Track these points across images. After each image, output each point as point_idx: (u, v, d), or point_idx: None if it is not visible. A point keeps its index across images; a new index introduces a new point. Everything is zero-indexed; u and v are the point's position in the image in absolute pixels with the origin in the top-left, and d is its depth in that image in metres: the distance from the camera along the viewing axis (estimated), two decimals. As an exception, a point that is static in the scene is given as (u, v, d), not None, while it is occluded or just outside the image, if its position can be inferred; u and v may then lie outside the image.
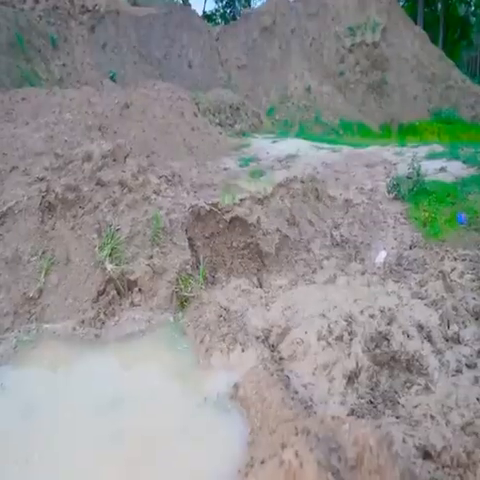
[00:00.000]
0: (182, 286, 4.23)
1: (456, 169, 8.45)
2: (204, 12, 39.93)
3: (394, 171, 8.92)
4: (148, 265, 4.28)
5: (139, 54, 20.60)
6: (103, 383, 3.36)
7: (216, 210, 5.05)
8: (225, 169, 9.36)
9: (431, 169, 8.24)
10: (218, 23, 35.14)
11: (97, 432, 2.88)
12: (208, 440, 2.80)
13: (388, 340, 3.64)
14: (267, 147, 11.90)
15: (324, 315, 4.01)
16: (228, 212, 5.12)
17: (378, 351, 3.59)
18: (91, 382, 3.38)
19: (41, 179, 4.87)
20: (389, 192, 7.68)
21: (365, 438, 2.04)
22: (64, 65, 17.47)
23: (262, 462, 2.28)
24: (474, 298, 4.28)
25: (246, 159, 10.33)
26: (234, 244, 5.12)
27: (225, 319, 3.80)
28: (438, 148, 10.50)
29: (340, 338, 3.82)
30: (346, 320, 3.97)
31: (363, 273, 5.22)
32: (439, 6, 37.04)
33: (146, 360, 3.65)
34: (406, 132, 16.06)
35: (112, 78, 18.19)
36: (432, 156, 9.67)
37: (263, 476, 2.14)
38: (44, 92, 10.77)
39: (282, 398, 2.72)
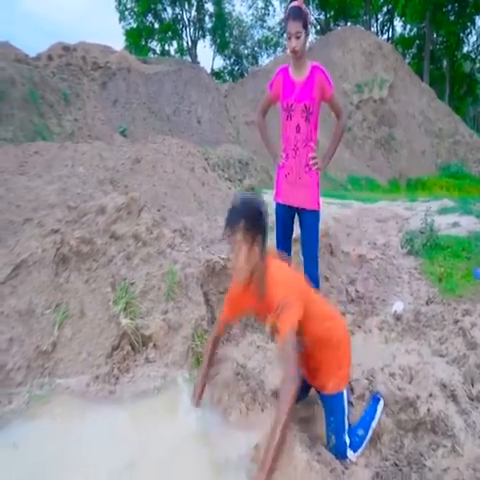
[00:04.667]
0: (198, 342, 4.14)
1: (469, 224, 8.46)
2: (212, 69, 40.97)
3: (406, 226, 8.94)
4: (163, 320, 4.20)
5: (149, 110, 20.99)
6: (117, 443, 3.23)
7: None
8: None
9: (444, 224, 8.24)
10: (226, 80, 35.95)
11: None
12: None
13: (413, 406, 3.51)
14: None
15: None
16: (243, 266, 5.06)
17: (403, 417, 3.47)
18: (104, 442, 3.25)
19: (55, 231, 4.83)
20: (402, 247, 7.68)
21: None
22: (76, 120, 17.79)
23: None
24: (497, 355, 4.18)
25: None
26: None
27: (243, 377, 3.69)
28: (449, 203, 10.54)
29: (362, 397, 3.71)
30: (367, 378, 3.87)
31: (380, 329, 5.12)
32: (445, 63, 38.04)
33: (162, 419, 3.52)
34: (415, 187, 16.17)
35: (122, 133, 18.49)
36: (444, 211, 9.70)
37: None
38: (56, 146, 10.92)
39: (307, 460, 2.61)
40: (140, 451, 3.11)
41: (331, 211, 11.12)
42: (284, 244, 4.66)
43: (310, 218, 4.48)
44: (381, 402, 3.55)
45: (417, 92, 22.20)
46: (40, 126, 15.56)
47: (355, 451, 3.20)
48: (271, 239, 5.03)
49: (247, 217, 2.78)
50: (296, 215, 4.63)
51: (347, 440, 3.15)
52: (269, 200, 11.25)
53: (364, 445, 3.28)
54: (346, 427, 3.16)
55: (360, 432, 3.29)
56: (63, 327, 4.17)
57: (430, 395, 3.61)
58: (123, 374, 3.95)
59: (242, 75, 37.27)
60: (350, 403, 3.42)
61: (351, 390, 3.75)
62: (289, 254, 4.69)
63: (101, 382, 3.84)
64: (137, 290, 4.40)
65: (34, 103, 15.88)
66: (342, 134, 4.59)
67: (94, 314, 4.26)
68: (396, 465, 3.16)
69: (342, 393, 3.17)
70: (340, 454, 3.15)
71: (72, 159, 9.88)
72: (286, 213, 4.60)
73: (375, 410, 3.49)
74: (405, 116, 20.64)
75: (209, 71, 32.15)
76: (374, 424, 3.39)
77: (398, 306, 5.68)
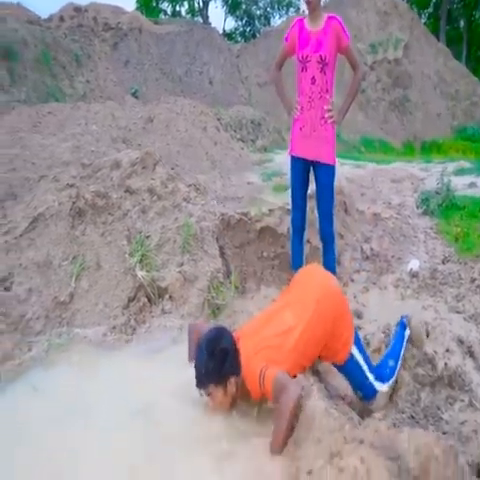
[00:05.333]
0: (214, 294, 4.16)
1: (486, 184, 8.34)
2: (224, 30, 40.34)
3: (422, 186, 8.85)
4: (179, 272, 4.21)
5: (161, 71, 20.79)
6: (133, 389, 3.24)
7: (246, 219, 4.99)
8: (249, 183, 9.33)
9: (460, 184, 8.15)
10: (238, 41, 35.41)
11: (130, 435, 2.78)
12: (245, 446, 2.70)
13: (430, 361, 3.51)
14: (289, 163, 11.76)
15: (359, 327, 3.92)
16: (258, 222, 5.06)
17: (420, 371, 3.48)
18: (121, 387, 3.28)
19: (71, 185, 4.85)
20: (418, 207, 7.61)
21: (429, 448, 1.93)
22: (88, 81, 17.66)
23: (309, 472, 2.17)
24: (514, 311, 4.16)
25: (269, 174, 10.29)
26: (264, 254, 5.05)
27: (258, 329, 3.69)
28: (465, 164, 10.39)
29: (378, 351, 3.72)
30: (383, 332, 3.87)
31: (396, 286, 5.10)
32: (462, 23, 37.12)
33: (177, 368, 3.53)
34: (429, 150, 15.94)
35: (134, 94, 18.35)
36: (460, 172, 9.57)
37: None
38: (69, 106, 10.88)
39: (325, 408, 2.62)
40: (155, 396, 3.13)
41: (344, 171, 10.99)
42: (299, 200, 4.62)
43: (325, 173, 4.42)
44: (407, 329, 3.61)
45: (433, 53, 21.75)
46: (53, 88, 15.46)
47: (387, 380, 3.30)
48: (287, 193, 5.05)
49: (212, 376, 2.76)
50: (312, 170, 4.57)
51: (373, 382, 3.22)
52: (282, 160, 11.18)
53: (396, 373, 3.38)
54: (369, 374, 3.20)
55: (391, 362, 3.38)
56: (80, 279, 4.20)
57: (447, 350, 3.58)
58: (139, 325, 3.99)
59: (254, 36, 36.60)
60: (362, 345, 3.41)
61: (367, 344, 3.76)
62: (304, 210, 4.66)
63: (118, 332, 3.88)
64: (152, 243, 4.41)
65: (46, 64, 15.75)
66: (358, 87, 4.50)
67: (110, 266, 4.28)
68: (413, 418, 3.19)
69: (351, 354, 3.17)
70: (369, 398, 3.24)
71: (85, 118, 9.83)
72: (301, 167, 4.54)
73: (403, 337, 3.55)
74: (420, 77, 20.24)
75: (220, 32, 31.66)
76: (403, 351, 3.48)
77: (414, 264, 5.64)
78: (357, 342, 3.21)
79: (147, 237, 4.46)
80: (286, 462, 2.43)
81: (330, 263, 4.50)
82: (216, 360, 2.75)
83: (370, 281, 5.34)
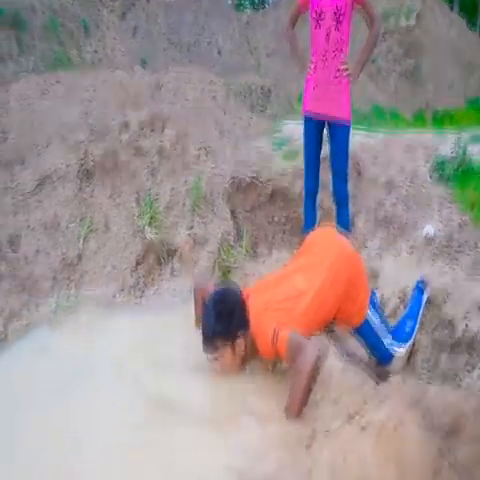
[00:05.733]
0: (224, 257, 4.08)
1: (504, 152, 8.11)
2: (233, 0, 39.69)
3: (435, 155, 8.64)
4: (188, 235, 4.14)
5: (169, 41, 20.49)
6: (141, 348, 3.18)
7: (257, 182, 4.89)
8: (258, 151, 9.19)
9: (476, 151, 7.93)
10: (247, 11, 34.81)
11: (135, 397, 2.72)
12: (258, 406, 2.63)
13: (449, 325, 3.42)
14: (299, 132, 11.63)
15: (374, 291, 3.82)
16: (269, 185, 4.96)
17: (438, 335, 3.40)
18: (129, 347, 3.22)
19: (79, 147, 4.75)
20: (432, 175, 7.43)
21: (458, 405, 1.85)
22: (96, 51, 17.43)
23: (326, 433, 2.10)
24: None
25: (279, 143, 10.12)
26: (276, 218, 4.95)
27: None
28: (480, 133, 10.16)
29: (394, 315, 3.63)
30: (399, 297, 3.78)
31: (410, 253, 5.00)
32: (476, -9, 36.19)
33: (187, 330, 3.45)
34: (441, 121, 15.59)
35: (142, 64, 18.10)
36: (476, 139, 9.34)
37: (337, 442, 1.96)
38: (77, 74, 10.73)
39: (342, 368, 2.54)
40: (163, 358, 3.06)
41: (355, 141, 10.78)
42: (313, 162, 4.50)
43: (340, 131, 4.27)
44: (426, 292, 3.53)
45: (446, 22, 21.27)
46: (60, 55, 15.25)
47: (405, 343, 3.22)
48: (297, 160, 4.94)
49: (220, 332, 2.65)
50: (325, 132, 4.45)
51: (390, 345, 3.15)
52: (292, 128, 10.99)
53: (414, 336, 3.30)
54: (385, 337, 3.12)
55: (409, 325, 3.31)
56: (88, 240, 4.14)
57: (466, 315, 3.49)
58: (148, 287, 3.94)
59: (263, 6, 36.04)
60: (379, 308, 3.33)
61: (383, 307, 3.67)
62: (317, 173, 4.54)
63: (126, 294, 3.83)
64: (162, 205, 4.33)
65: (54, 32, 15.51)
66: (375, 42, 4.30)
67: (119, 228, 4.21)
68: (430, 383, 3.08)
69: (367, 317, 3.08)
70: (385, 362, 3.17)
71: (93, 86, 9.68)
72: (315, 127, 4.40)
73: (421, 300, 3.48)
74: (433, 47, 19.76)
75: (229, 2, 31.19)
76: (421, 314, 3.40)
77: (429, 230, 5.51)
78: (373, 304, 3.12)
79: (156, 199, 4.38)
80: (301, 424, 2.35)
81: (344, 226, 4.39)
82: (223, 320, 2.65)
83: (384, 248, 5.21)
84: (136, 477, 2.23)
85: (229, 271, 4.05)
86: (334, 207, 4.71)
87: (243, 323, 2.69)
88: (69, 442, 2.40)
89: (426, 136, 10.83)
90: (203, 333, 2.70)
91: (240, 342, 2.68)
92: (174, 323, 3.54)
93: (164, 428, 2.48)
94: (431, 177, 7.45)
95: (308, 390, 2.42)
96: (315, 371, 2.43)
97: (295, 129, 12.72)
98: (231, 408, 2.59)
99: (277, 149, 9.64)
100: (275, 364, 2.77)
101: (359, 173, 6.02)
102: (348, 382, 2.38)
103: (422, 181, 7.51)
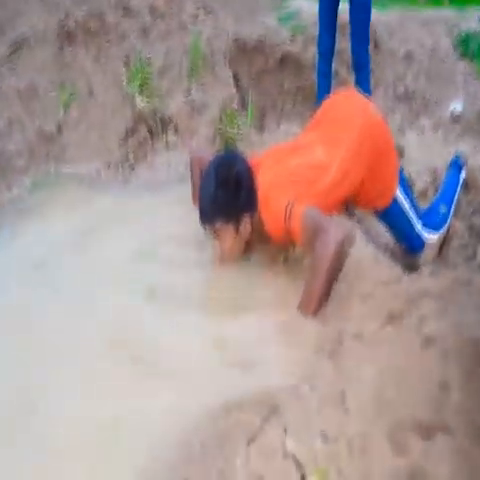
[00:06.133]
0: (226, 125, 3.54)
1: None
2: None
3: (457, 30, 7.88)
4: (185, 101, 3.59)
5: None
6: (132, 233, 2.72)
7: (264, 45, 4.28)
8: (264, 27, 8.42)
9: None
10: None
11: (124, 285, 2.28)
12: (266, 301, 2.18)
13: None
14: (308, 5, 10.73)
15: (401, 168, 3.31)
16: (278, 49, 4.34)
17: (477, 221, 2.95)
18: (118, 232, 2.76)
19: (59, 6, 4.11)
20: (455, 49, 6.77)
21: None
22: None
23: (357, 336, 1.63)
24: None
25: (285, 18, 9.29)
26: (285, 86, 4.35)
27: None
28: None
29: (424, 194, 3.14)
30: (429, 178, 3.26)
31: (436, 130, 4.49)
32: None
33: (183, 210, 2.94)
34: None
35: None
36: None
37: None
38: None
39: (374, 255, 2.05)
40: (154, 244, 2.57)
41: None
42: (329, 19, 4.05)
43: None
44: (463, 171, 3.01)
45: None
46: None
47: (438, 229, 2.72)
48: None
49: (222, 208, 2.13)
50: None
51: (421, 231, 2.64)
52: (301, 2, 10.09)
53: (448, 221, 2.81)
54: (416, 222, 2.59)
55: (443, 208, 2.79)
56: (69, 109, 3.62)
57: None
58: (139, 161, 3.46)
59: None
60: (408, 188, 2.82)
61: (412, 189, 3.16)
62: (334, 33, 4.07)
63: (114, 169, 3.36)
64: (155, 68, 3.75)
65: None
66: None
67: (105, 95, 3.67)
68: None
69: (395, 198, 2.52)
70: (415, 250, 2.67)
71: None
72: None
73: (457, 180, 2.97)
74: None
75: None
76: (457, 196, 2.90)
77: (456, 105, 4.96)
78: (402, 184, 2.57)
79: (148, 62, 3.79)
80: (323, 324, 1.85)
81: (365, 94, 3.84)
82: (227, 189, 2.11)
83: (406, 124, 4.70)
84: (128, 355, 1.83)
85: (232, 142, 3.54)
86: (351, 77, 4.26)
87: (251, 199, 2.15)
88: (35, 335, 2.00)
89: (445, 12, 9.89)
90: (200, 209, 2.18)
91: (245, 222, 2.17)
92: (169, 202, 3.07)
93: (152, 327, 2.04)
94: (455, 49, 6.82)
95: (330, 282, 1.89)
96: (341, 256, 1.90)
97: (304, 4, 11.75)
98: (232, 302, 2.15)
99: (284, 24, 8.83)
100: (287, 253, 2.28)
101: (375, 45, 5.36)
102: (383, 273, 1.88)
103: (444, 56, 6.84)
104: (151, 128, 3.55)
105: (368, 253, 1.97)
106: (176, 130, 3.55)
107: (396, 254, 2.73)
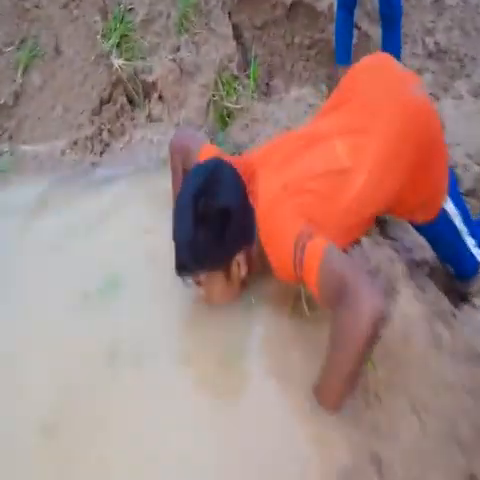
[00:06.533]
0: (224, 93, 2.91)
1: None
2: None
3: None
4: (173, 61, 2.97)
5: None
6: (104, 231, 2.21)
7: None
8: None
9: None
10: None
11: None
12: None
13: None
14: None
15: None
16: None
17: None
18: (85, 229, 2.23)
19: None
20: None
21: None
22: None
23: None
24: None
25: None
26: (296, 40, 3.70)
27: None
28: None
29: (472, 193, 2.48)
30: (478, 164, 2.61)
31: (475, 95, 3.78)
32: None
33: (167, 201, 2.30)
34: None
35: None
36: None
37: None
38: None
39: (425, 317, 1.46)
40: (128, 257, 2.03)
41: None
42: None
43: None
44: None
45: None
46: None
47: None
48: None
49: (204, 257, 1.55)
50: None
51: (475, 250, 1.96)
52: None
53: None
54: (468, 239, 1.93)
55: None
56: (30, 71, 3.09)
57: None
58: (116, 138, 2.89)
59: None
60: (459, 194, 2.15)
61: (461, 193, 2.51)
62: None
63: (82, 148, 2.81)
64: (137, 19, 3.15)
65: None
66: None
67: (75, 52, 3.13)
68: None
69: (444, 210, 1.84)
70: (467, 275, 2.04)
71: None
72: None
73: None
74: None
75: None
76: None
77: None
78: (453, 190, 1.89)
79: (129, 11, 3.19)
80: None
81: (395, 53, 3.16)
82: (210, 227, 1.51)
83: (439, 87, 4.04)
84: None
85: (230, 114, 2.92)
86: (377, 30, 3.67)
87: (245, 233, 1.57)
88: None
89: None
90: (175, 253, 1.58)
91: (239, 261, 1.59)
92: (149, 193, 2.47)
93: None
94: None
95: (358, 366, 1.31)
96: (372, 341, 1.29)
97: None
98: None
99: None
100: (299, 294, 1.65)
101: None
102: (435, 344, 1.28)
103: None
104: (131, 96, 2.97)
105: (416, 314, 1.35)
106: (161, 98, 2.96)
107: (435, 272, 2.12)
